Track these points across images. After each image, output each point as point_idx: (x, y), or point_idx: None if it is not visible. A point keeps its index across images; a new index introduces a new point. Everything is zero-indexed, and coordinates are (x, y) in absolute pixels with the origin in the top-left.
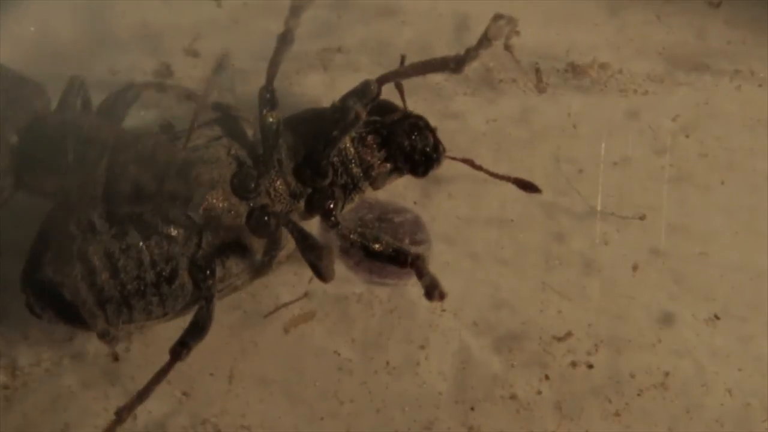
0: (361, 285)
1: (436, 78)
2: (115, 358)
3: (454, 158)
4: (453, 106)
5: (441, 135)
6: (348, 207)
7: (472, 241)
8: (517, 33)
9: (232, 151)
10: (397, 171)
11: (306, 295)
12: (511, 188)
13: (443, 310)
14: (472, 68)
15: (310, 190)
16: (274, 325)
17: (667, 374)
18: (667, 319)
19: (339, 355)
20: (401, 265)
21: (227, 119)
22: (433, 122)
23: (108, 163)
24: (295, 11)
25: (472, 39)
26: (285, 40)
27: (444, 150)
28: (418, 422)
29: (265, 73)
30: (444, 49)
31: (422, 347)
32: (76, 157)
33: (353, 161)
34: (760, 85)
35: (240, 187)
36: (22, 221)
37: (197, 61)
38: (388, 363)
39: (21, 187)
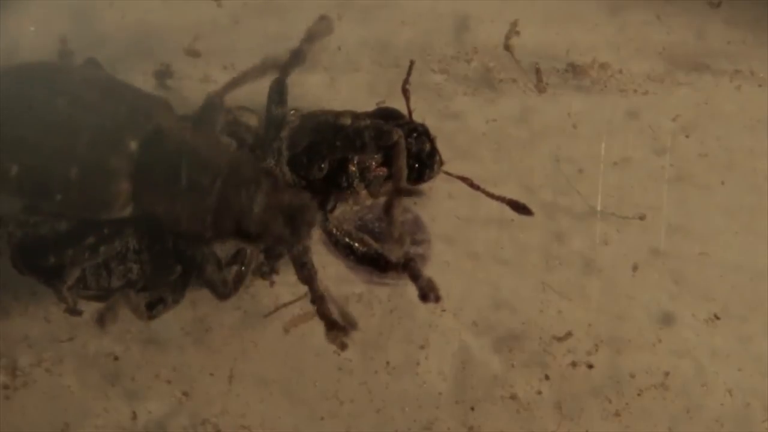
0: (361, 285)
1: (436, 78)
2: (76, 313)
3: (451, 174)
4: (453, 106)
5: (441, 135)
6: (340, 208)
7: (472, 241)
8: (517, 33)
9: (235, 136)
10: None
11: (306, 295)
12: (512, 188)
13: (443, 310)
14: (472, 68)
15: (304, 183)
16: (274, 325)
17: (667, 374)
18: (667, 319)
19: (339, 355)
20: (388, 270)
21: (235, 111)
22: (433, 122)
23: (219, 194)
24: (311, 38)
25: (472, 39)
26: (297, 58)
27: (441, 161)
28: (418, 422)
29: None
30: (444, 48)
31: (422, 347)
32: (189, 184)
33: (351, 159)
34: (760, 85)
35: None
36: None
37: (197, 61)
38: (388, 363)
39: (134, 199)
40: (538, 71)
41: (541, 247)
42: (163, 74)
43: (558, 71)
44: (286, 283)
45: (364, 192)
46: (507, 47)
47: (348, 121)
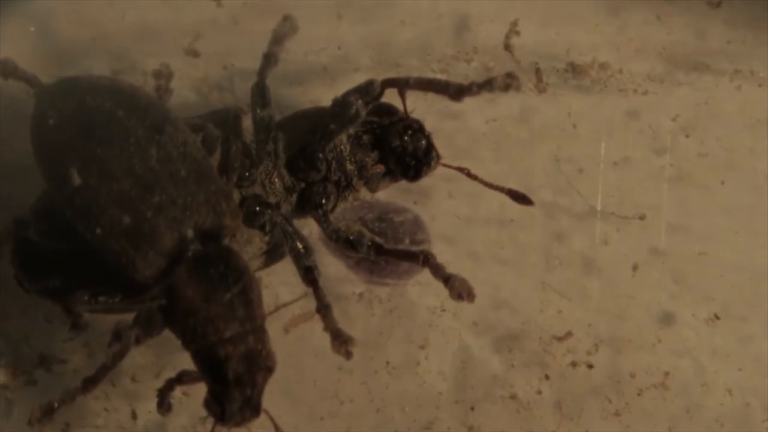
0: (361, 285)
1: (436, 77)
2: (81, 328)
3: (449, 166)
4: (453, 106)
5: (441, 135)
6: (341, 206)
7: (472, 241)
8: (517, 33)
9: (230, 138)
10: (390, 174)
11: (306, 295)
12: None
13: (443, 310)
14: (472, 68)
15: (303, 185)
16: (274, 325)
17: (667, 374)
18: (667, 319)
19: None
20: (407, 260)
21: (228, 112)
22: (433, 122)
23: (227, 354)
24: (278, 39)
25: (472, 39)
26: (269, 61)
27: (438, 156)
28: (418, 422)
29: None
30: (444, 48)
31: (422, 347)
32: (205, 320)
33: (348, 158)
34: (760, 85)
35: (235, 172)
36: None
37: (197, 61)
38: (388, 363)
39: (159, 278)
40: (538, 71)
41: (541, 247)
42: (163, 74)
43: (558, 71)
44: (286, 283)
45: (363, 189)
46: (507, 47)
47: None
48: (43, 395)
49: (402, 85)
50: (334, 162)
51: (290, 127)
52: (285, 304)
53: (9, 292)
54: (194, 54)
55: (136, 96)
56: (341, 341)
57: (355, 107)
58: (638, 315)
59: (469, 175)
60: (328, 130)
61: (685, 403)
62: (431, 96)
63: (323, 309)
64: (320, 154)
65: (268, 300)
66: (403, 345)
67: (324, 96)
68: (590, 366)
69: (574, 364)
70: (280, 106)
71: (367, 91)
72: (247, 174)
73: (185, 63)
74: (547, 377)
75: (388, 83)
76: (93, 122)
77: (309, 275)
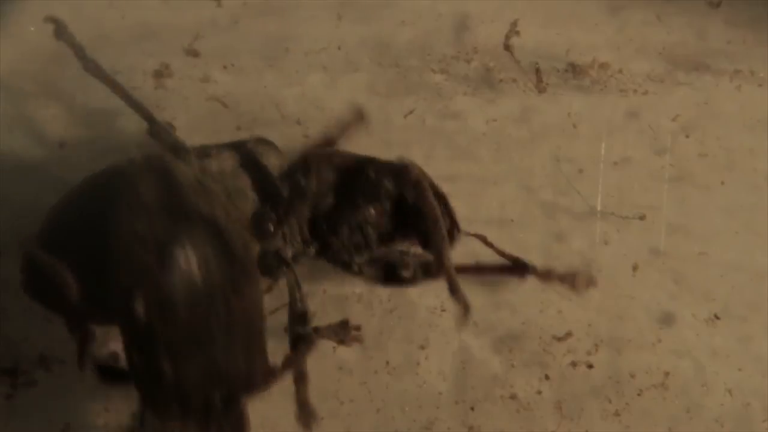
0: (361, 285)
1: (436, 78)
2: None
3: (467, 234)
4: (453, 106)
5: (441, 135)
6: (357, 260)
7: (472, 240)
8: (517, 33)
9: (256, 186)
10: (408, 238)
11: (307, 294)
12: (512, 188)
13: (443, 310)
14: (472, 68)
15: (323, 243)
16: (275, 325)
17: (667, 374)
18: (667, 319)
19: (339, 355)
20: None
21: (254, 147)
22: (433, 122)
23: None
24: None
25: (472, 39)
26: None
27: (459, 230)
28: (418, 422)
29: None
30: (444, 48)
31: (422, 347)
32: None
33: (370, 224)
34: (760, 85)
35: (258, 229)
36: (23, 221)
37: (197, 61)
38: (388, 363)
39: None
40: (538, 71)
41: (541, 247)
42: (163, 74)
43: (558, 71)
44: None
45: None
46: (507, 47)
47: (370, 173)
48: (43, 395)
49: (425, 195)
50: (356, 229)
51: (318, 178)
52: (285, 305)
53: (9, 292)
54: (194, 54)
55: (233, 245)
56: (306, 413)
57: (386, 190)
58: (638, 315)
59: (485, 242)
60: (356, 204)
61: (685, 403)
62: (431, 96)
63: (300, 378)
64: (345, 224)
65: (268, 300)
66: (403, 345)
67: (324, 96)
68: (590, 366)
69: (574, 364)
70: (280, 106)
71: (402, 176)
72: (272, 228)
73: (185, 63)
74: (547, 377)
75: (420, 181)
76: (184, 291)
77: (298, 342)
